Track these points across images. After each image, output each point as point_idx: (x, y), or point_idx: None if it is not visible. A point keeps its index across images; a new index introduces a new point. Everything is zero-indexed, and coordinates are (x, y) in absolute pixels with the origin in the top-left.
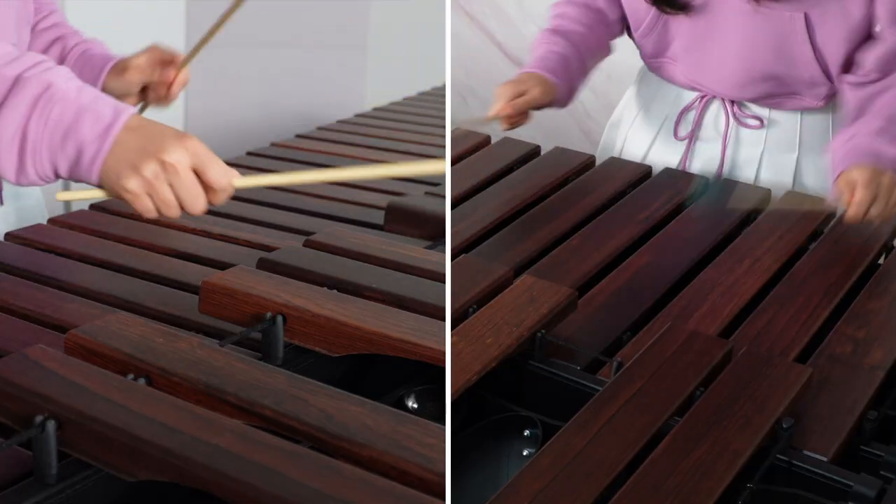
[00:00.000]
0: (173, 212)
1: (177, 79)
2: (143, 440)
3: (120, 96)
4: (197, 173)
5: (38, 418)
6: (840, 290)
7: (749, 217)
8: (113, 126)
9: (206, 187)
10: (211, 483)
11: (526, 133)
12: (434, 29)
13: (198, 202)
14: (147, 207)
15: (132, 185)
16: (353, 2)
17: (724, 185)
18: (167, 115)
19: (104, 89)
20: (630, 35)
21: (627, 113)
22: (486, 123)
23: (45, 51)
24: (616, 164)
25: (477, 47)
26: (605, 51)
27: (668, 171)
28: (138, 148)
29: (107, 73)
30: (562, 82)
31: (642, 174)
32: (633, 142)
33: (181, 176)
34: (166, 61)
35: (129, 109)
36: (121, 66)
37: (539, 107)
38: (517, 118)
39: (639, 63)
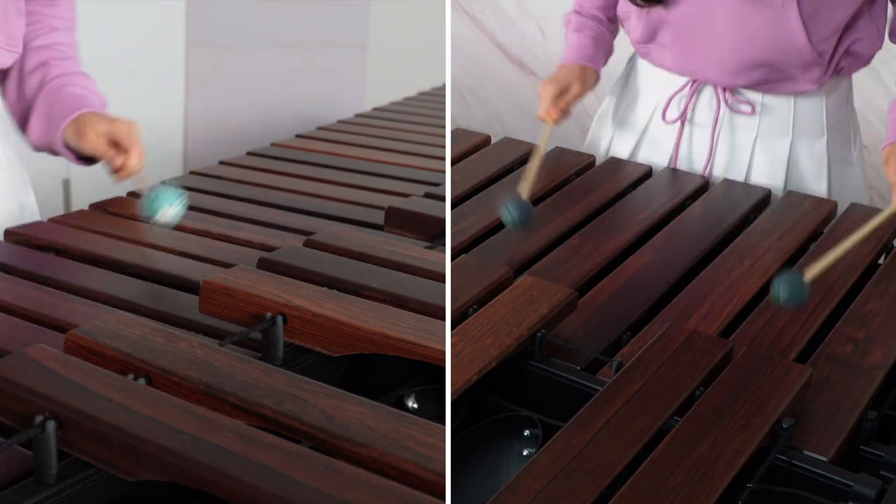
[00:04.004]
0: None
1: (125, 166)
2: (144, 440)
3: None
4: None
5: (39, 418)
6: (840, 290)
7: (749, 217)
8: None
9: None
10: (211, 483)
11: (526, 133)
12: (434, 29)
13: None
14: None
15: None
16: (353, 2)
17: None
18: (168, 114)
19: (64, 135)
20: (619, 23)
21: (617, 103)
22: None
23: (32, 71)
24: (616, 164)
25: (477, 47)
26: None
27: (668, 171)
28: None
29: (67, 124)
30: (598, 66)
31: (642, 174)
32: (623, 133)
33: None
34: (121, 148)
35: None
36: (80, 128)
37: (580, 98)
38: (563, 117)
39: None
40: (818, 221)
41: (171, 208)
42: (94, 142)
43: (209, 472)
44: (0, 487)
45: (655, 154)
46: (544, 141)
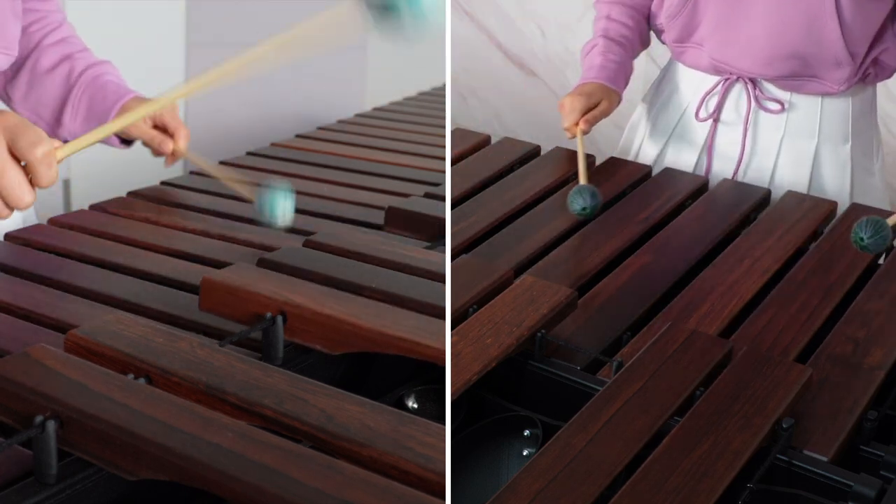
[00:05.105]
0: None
1: (174, 153)
2: (144, 439)
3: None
4: (10, 149)
5: (39, 418)
6: (840, 290)
7: (749, 217)
8: None
9: (26, 168)
10: (211, 482)
11: (526, 133)
12: (434, 29)
13: (20, 191)
14: None
15: None
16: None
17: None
18: None
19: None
20: (651, 25)
21: (649, 108)
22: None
23: (54, 68)
24: (616, 164)
25: (477, 47)
26: (647, 44)
27: (668, 171)
28: None
29: (117, 112)
30: (621, 90)
31: (642, 174)
32: (653, 134)
33: None
34: (168, 130)
35: None
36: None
37: (605, 116)
38: (587, 131)
39: (648, 66)
40: (818, 221)
41: (286, 204)
42: (142, 127)
43: (209, 472)
44: (0, 487)
45: (683, 153)
46: (582, 149)
